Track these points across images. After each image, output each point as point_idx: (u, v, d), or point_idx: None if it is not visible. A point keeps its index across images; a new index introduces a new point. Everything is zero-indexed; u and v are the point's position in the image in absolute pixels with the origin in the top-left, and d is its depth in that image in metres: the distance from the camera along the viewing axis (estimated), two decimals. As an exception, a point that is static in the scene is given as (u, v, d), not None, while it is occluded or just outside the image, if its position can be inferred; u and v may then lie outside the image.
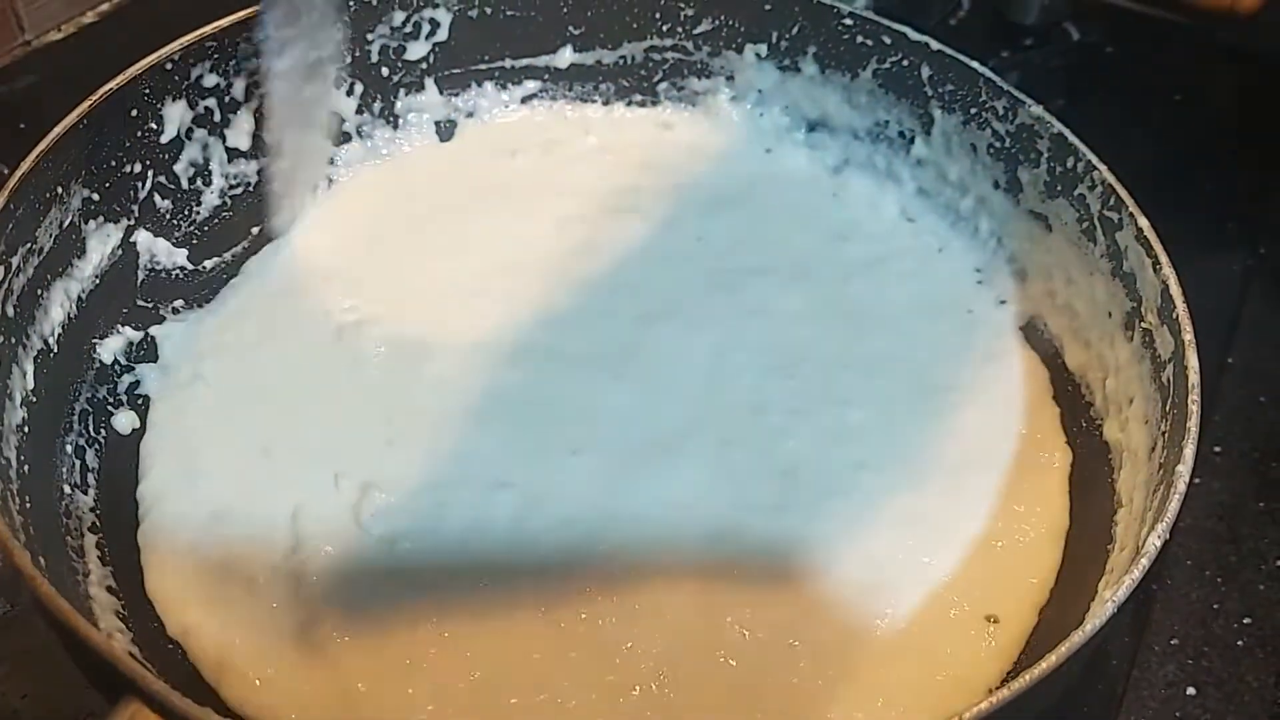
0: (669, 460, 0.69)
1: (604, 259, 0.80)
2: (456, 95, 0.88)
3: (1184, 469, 0.57)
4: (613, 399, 0.72)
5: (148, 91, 0.74)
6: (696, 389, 0.73)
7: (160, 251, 0.76)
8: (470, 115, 0.88)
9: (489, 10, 0.86)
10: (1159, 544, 0.54)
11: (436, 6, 0.84)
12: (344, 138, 0.85)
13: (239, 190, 0.81)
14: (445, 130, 0.88)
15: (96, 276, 0.72)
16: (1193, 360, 0.61)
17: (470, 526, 0.65)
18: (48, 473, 0.65)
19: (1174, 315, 0.64)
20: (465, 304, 0.77)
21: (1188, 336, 0.63)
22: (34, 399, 0.65)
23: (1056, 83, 1.06)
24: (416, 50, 0.86)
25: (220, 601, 0.62)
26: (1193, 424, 0.59)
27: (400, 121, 0.87)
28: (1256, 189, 0.97)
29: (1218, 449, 0.78)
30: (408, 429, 0.70)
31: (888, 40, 0.81)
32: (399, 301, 0.77)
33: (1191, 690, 0.67)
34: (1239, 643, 0.69)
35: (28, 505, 0.60)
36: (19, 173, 0.65)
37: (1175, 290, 0.65)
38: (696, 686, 0.60)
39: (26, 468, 0.62)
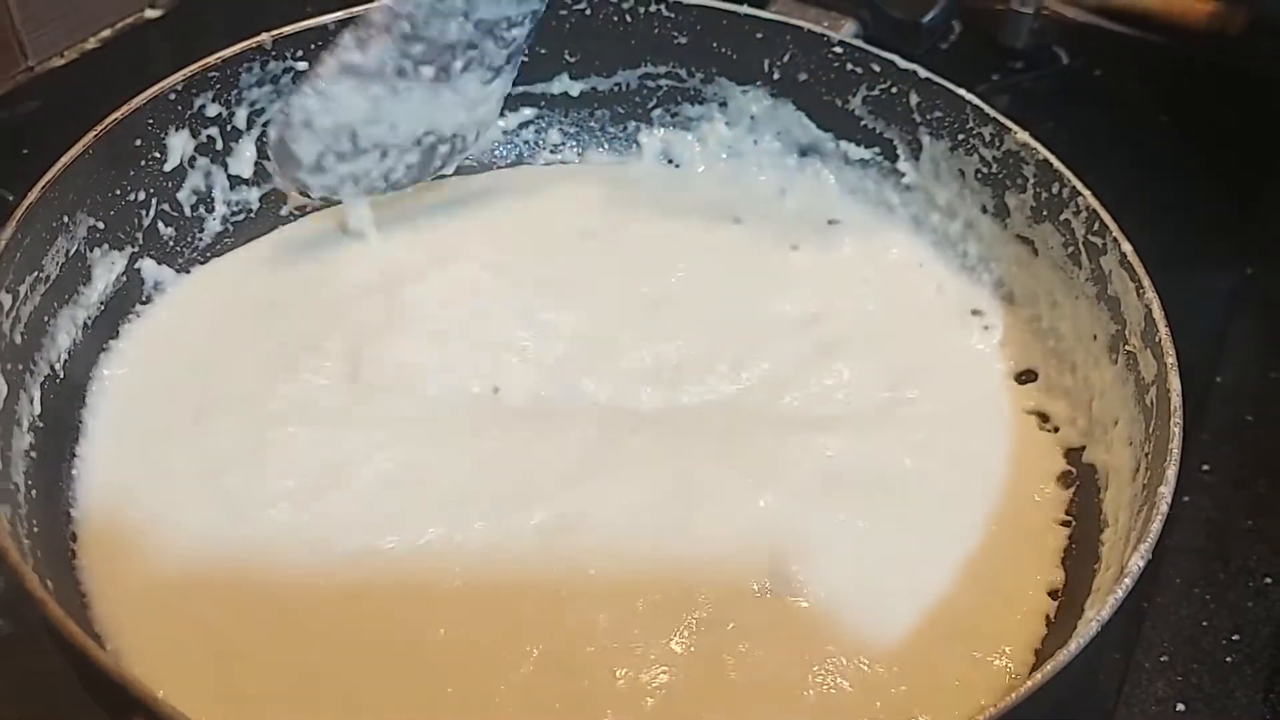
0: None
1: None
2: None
3: (1166, 490, 0.58)
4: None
5: (151, 121, 0.75)
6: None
7: (165, 278, 0.78)
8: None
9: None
10: (1142, 564, 0.55)
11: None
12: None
13: (241, 217, 0.83)
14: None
15: (101, 303, 0.73)
16: (1175, 383, 0.63)
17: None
18: (55, 497, 0.66)
19: (1157, 339, 0.65)
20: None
21: (1170, 360, 0.64)
22: (41, 424, 0.66)
23: (1046, 105, 1.07)
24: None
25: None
26: (1175, 446, 0.60)
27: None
28: (1244, 208, 0.98)
29: (1206, 467, 0.79)
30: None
31: (876, 68, 0.83)
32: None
33: (1181, 706, 0.68)
34: (1228, 659, 0.70)
35: (35, 529, 0.61)
36: (26, 202, 0.66)
37: (1158, 314, 0.66)
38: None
39: (34, 492, 0.63)
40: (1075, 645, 0.51)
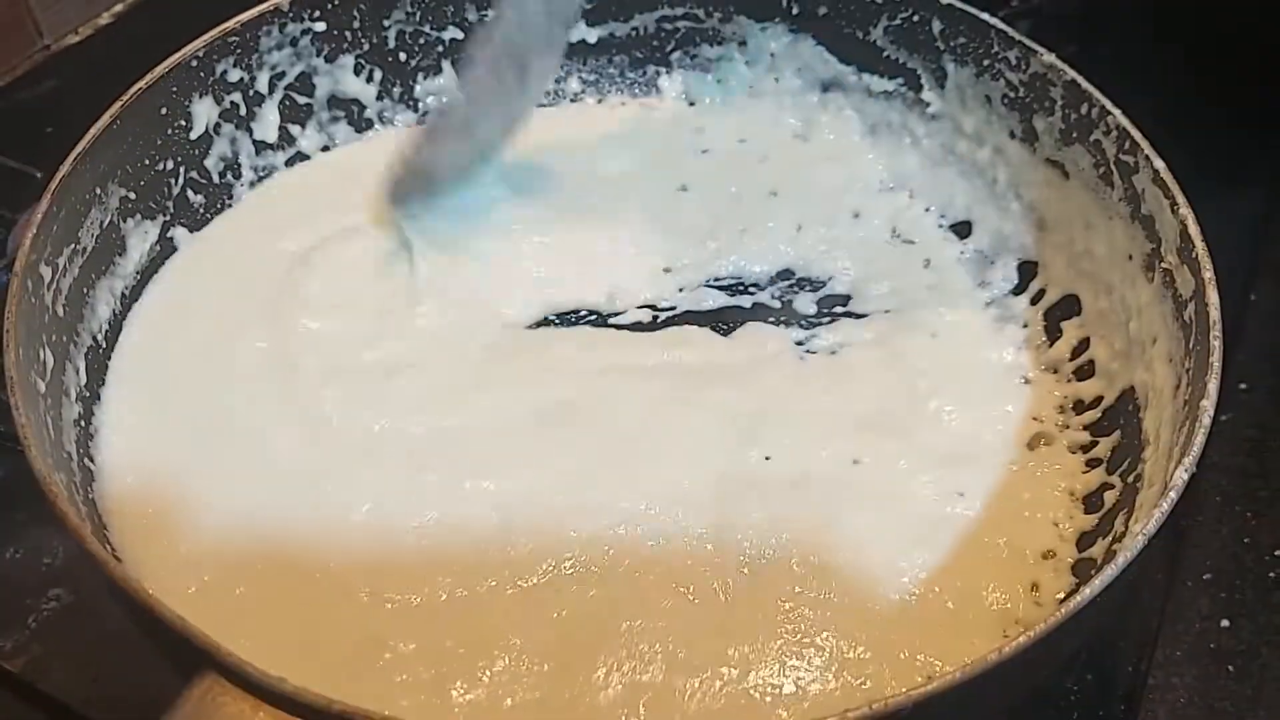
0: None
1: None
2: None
3: (1208, 404, 0.58)
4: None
5: (175, 89, 0.76)
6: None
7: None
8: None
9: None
10: (1185, 478, 0.55)
11: (450, -11, 0.86)
12: (366, 124, 0.87)
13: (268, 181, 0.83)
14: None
15: (137, 273, 0.74)
16: (1213, 297, 0.62)
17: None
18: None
19: (1193, 254, 0.65)
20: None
21: (1208, 274, 0.63)
22: (87, 394, 0.67)
23: (1068, 29, 1.04)
24: (432, 33, 0.87)
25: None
26: (1215, 359, 0.60)
27: (420, 105, 0.88)
28: (1274, 125, 0.96)
29: (1244, 385, 0.79)
30: None
31: (898, -3, 0.82)
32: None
33: (1225, 622, 0.68)
34: (1270, 575, 0.70)
35: (91, 496, 0.62)
36: (60, 175, 0.67)
37: (1194, 230, 0.66)
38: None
39: (87, 459, 0.64)
40: (1122, 559, 0.52)
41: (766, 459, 0.69)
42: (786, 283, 0.82)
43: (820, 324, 0.79)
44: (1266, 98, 0.98)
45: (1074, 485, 0.70)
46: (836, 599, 0.63)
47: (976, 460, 0.70)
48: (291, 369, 0.72)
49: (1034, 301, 0.79)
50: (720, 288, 0.81)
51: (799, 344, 0.77)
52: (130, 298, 0.74)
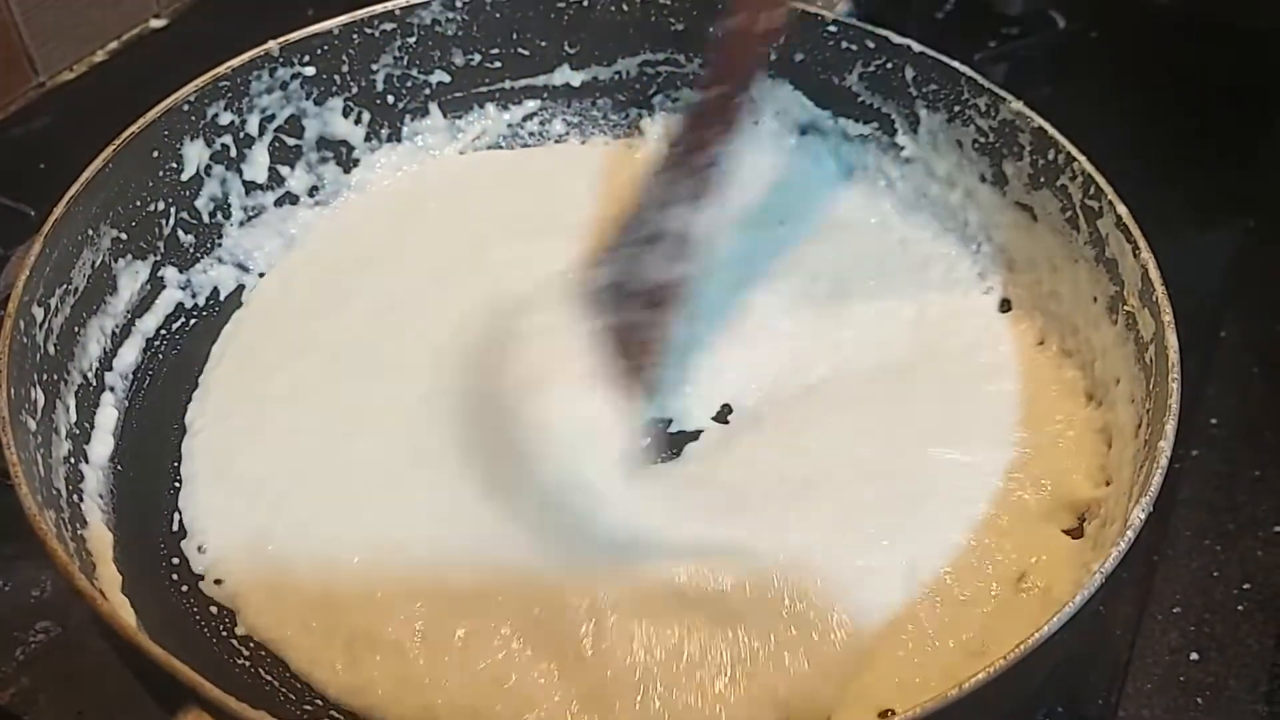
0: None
1: None
2: (460, 118, 0.92)
3: (1165, 445, 0.59)
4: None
5: (166, 132, 0.77)
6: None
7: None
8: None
9: (488, 35, 0.89)
10: (1143, 517, 0.57)
11: (437, 34, 0.88)
12: (354, 163, 0.89)
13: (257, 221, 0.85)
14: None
15: (128, 311, 0.76)
16: (1172, 340, 0.64)
17: None
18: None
19: (1154, 298, 0.66)
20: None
21: (1167, 318, 0.65)
22: (77, 431, 0.69)
23: (1043, 71, 1.08)
24: (420, 77, 0.89)
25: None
26: (1174, 401, 0.61)
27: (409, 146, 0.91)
28: (1245, 163, 0.98)
29: (1214, 421, 0.81)
30: None
31: (871, 44, 0.84)
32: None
33: (1194, 655, 0.69)
34: (1239, 608, 0.72)
35: (80, 533, 0.64)
36: (53, 217, 0.68)
37: (1154, 274, 0.67)
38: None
39: (75, 496, 0.66)
40: (1080, 598, 0.53)
41: None
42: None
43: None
44: (1240, 137, 1.00)
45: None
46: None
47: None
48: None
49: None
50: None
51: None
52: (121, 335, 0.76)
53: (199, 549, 0.68)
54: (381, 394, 0.75)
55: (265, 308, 0.81)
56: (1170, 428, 0.60)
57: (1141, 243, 0.69)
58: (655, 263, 0.70)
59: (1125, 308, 0.70)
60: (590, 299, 0.70)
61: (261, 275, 0.83)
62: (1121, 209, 0.71)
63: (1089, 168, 0.74)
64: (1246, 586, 0.73)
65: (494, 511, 0.68)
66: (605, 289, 0.70)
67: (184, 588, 0.67)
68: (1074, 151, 0.75)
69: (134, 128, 0.74)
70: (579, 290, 0.71)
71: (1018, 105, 0.78)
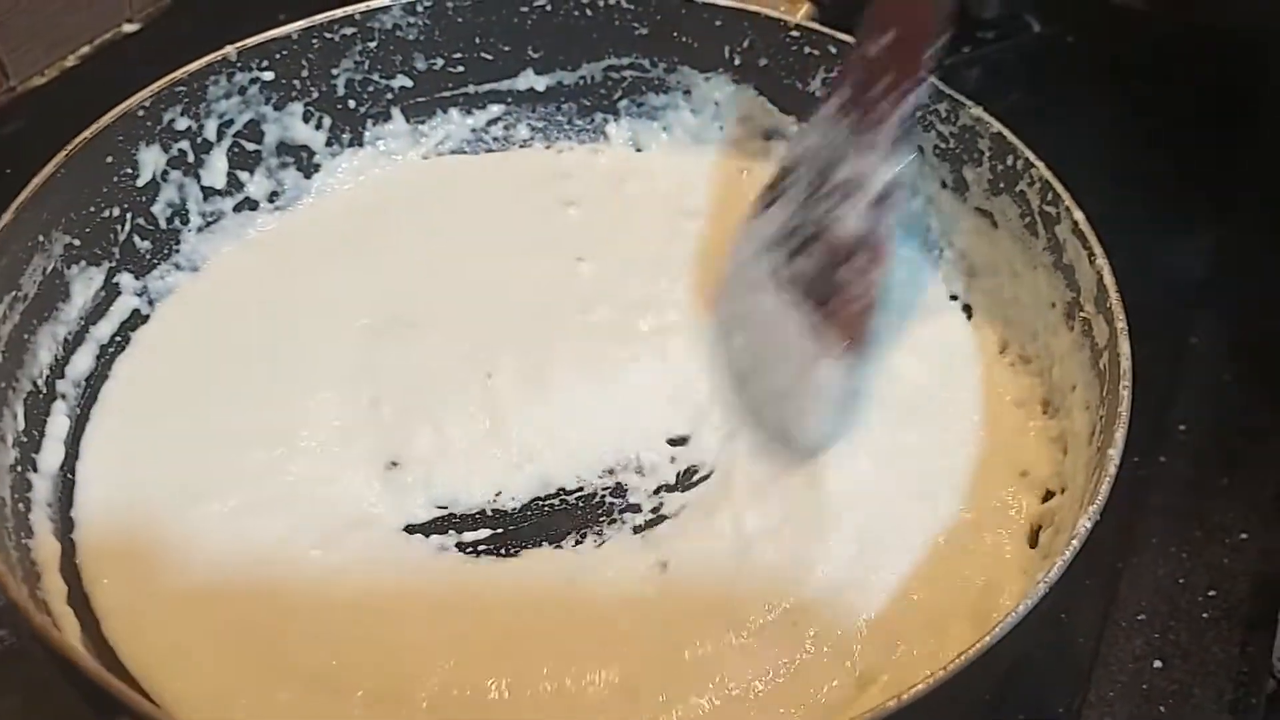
0: None
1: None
2: (423, 122, 0.91)
3: (1114, 452, 0.59)
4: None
5: (121, 138, 0.77)
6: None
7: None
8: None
9: (450, 39, 0.89)
10: (1089, 525, 0.56)
11: (399, 39, 0.87)
12: (314, 168, 0.88)
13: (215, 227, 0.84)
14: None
15: (81, 319, 0.75)
16: (1125, 348, 0.64)
17: None
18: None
19: (1108, 304, 0.66)
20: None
21: (1120, 325, 0.65)
22: (25, 439, 0.68)
23: (1018, 75, 1.07)
24: (381, 81, 0.89)
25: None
26: (1124, 409, 0.61)
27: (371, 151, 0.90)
28: (1219, 168, 0.98)
29: (1182, 427, 0.80)
30: None
31: (833, 50, 0.83)
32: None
33: (1158, 663, 0.69)
34: (1204, 615, 0.71)
35: (23, 541, 0.63)
36: (0, 224, 0.68)
37: (1109, 281, 0.67)
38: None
39: (21, 505, 0.65)
40: (1023, 607, 0.53)
41: None
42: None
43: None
44: (1214, 141, 1.00)
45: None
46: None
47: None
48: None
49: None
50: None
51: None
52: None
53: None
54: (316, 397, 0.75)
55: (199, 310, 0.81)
56: (1120, 435, 0.60)
57: (1097, 248, 0.69)
58: (844, 213, 0.71)
59: (1081, 314, 0.70)
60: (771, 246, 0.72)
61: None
62: (1078, 214, 0.71)
63: (1046, 173, 0.74)
64: (1212, 594, 0.72)
65: None
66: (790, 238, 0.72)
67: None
68: (1032, 157, 0.75)
69: (86, 133, 0.74)
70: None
71: (977, 111, 0.78)
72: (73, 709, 0.63)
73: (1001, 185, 0.78)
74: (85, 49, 1.07)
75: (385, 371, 0.77)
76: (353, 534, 0.68)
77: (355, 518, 0.69)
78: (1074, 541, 0.55)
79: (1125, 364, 0.63)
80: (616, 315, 0.81)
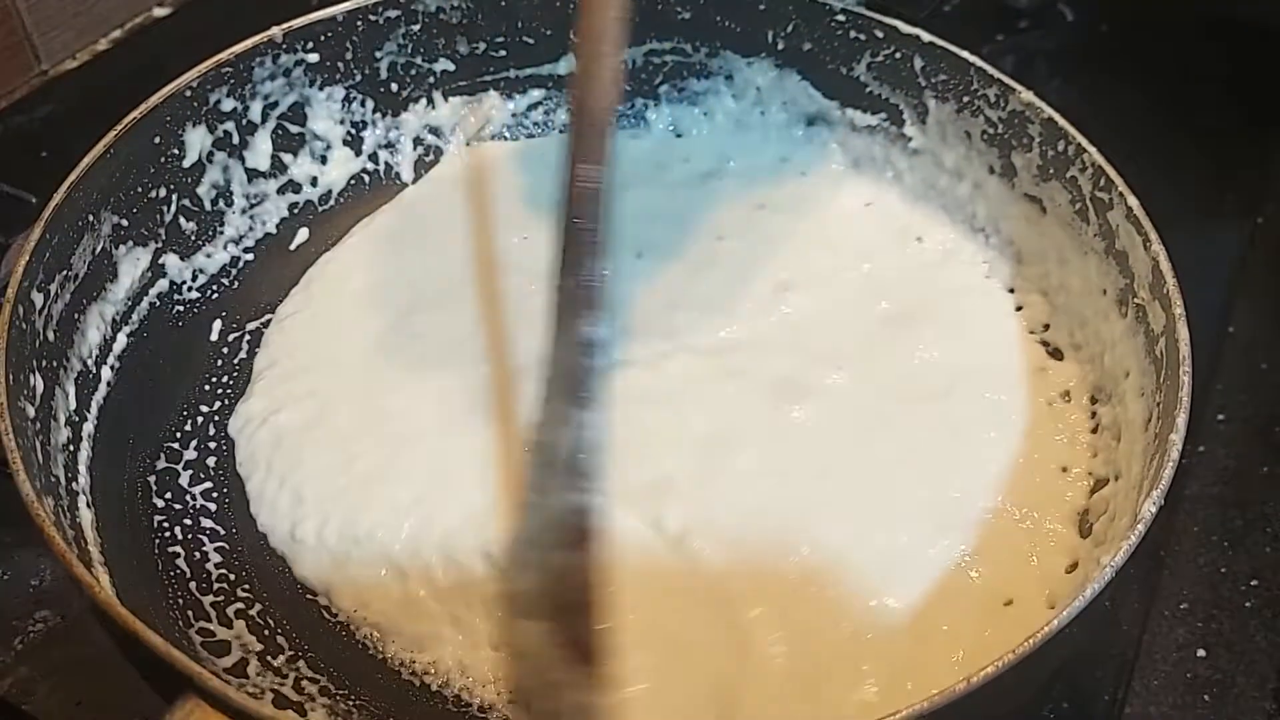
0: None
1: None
2: (464, 106, 0.91)
3: (1176, 438, 0.59)
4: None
5: (168, 118, 0.76)
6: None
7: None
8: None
9: (493, 23, 0.88)
10: (1154, 510, 0.56)
11: (442, 22, 0.87)
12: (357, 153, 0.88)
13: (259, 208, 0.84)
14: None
15: (129, 299, 0.75)
16: (1183, 333, 0.63)
17: None
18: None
19: (1165, 291, 0.66)
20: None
21: (1178, 310, 0.64)
22: (76, 418, 0.68)
23: (1052, 64, 1.07)
24: (424, 65, 0.88)
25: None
26: (1185, 394, 0.61)
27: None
28: (1254, 158, 0.98)
29: (1221, 417, 0.80)
30: None
31: (880, 34, 0.83)
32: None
33: (1202, 652, 0.69)
34: (1247, 604, 0.71)
35: (78, 520, 0.63)
36: (53, 202, 0.68)
37: (1165, 266, 0.67)
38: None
39: (74, 484, 0.65)
40: (1090, 591, 0.52)
41: None
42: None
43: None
44: (1249, 131, 1.00)
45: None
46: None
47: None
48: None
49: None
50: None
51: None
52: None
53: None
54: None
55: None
56: (1182, 420, 0.59)
57: (1153, 235, 0.69)
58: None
59: (1135, 300, 0.70)
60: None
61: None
62: (1132, 200, 0.70)
63: (1099, 159, 0.73)
64: (1254, 583, 0.73)
65: None
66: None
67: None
68: (1084, 143, 0.74)
69: (136, 113, 0.74)
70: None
71: (1028, 96, 0.78)
72: (119, 691, 0.63)
73: (1051, 171, 0.77)
74: (116, 33, 1.08)
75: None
76: None
77: None
78: (1139, 525, 0.55)
79: (1185, 349, 0.62)
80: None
